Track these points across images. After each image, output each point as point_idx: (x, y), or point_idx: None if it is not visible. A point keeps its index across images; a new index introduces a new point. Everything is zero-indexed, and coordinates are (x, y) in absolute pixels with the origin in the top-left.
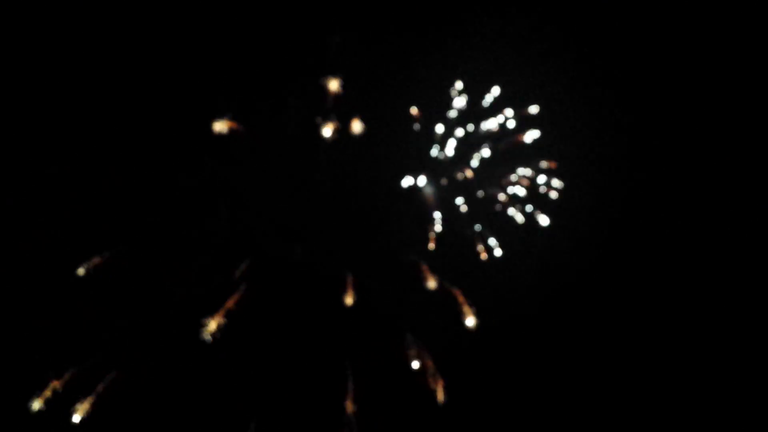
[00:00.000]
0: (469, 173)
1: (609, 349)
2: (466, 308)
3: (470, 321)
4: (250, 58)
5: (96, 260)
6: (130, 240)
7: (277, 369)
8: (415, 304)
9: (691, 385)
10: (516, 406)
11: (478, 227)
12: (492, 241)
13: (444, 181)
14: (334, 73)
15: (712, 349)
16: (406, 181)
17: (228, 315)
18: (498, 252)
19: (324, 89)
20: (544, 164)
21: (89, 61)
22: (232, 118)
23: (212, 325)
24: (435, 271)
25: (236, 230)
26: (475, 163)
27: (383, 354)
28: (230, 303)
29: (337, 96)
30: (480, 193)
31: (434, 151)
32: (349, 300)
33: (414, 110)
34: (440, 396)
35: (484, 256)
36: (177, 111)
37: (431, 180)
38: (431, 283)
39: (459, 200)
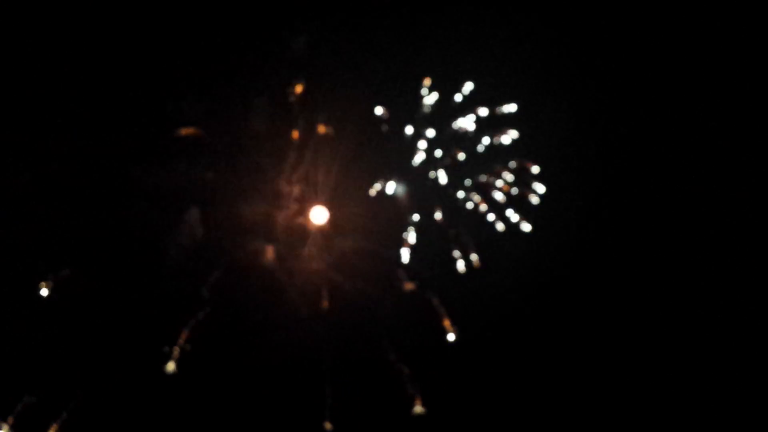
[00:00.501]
0: (442, 176)
1: (593, 360)
2: (442, 316)
3: (449, 332)
4: (214, 59)
5: (61, 275)
6: (96, 252)
7: (251, 377)
8: (391, 310)
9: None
10: (495, 414)
11: (453, 233)
12: (469, 250)
13: (415, 186)
14: (300, 74)
15: (704, 366)
16: (374, 189)
17: (199, 323)
18: (475, 260)
19: (290, 91)
20: (523, 167)
21: (43, 63)
22: (197, 121)
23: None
24: (410, 279)
25: (207, 232)
26: (448, 165)
27: (359, 360)
28: (201, 313)
29: (303, 98)
30: (455, 198)
31: (404, 153)
32: (324, 303)
33: (380, 110)
34: (417, 403)
35: (461, 267)
36: (141, 113)
37: (402, 184)
38: (408, 287)
39: (433, 205)
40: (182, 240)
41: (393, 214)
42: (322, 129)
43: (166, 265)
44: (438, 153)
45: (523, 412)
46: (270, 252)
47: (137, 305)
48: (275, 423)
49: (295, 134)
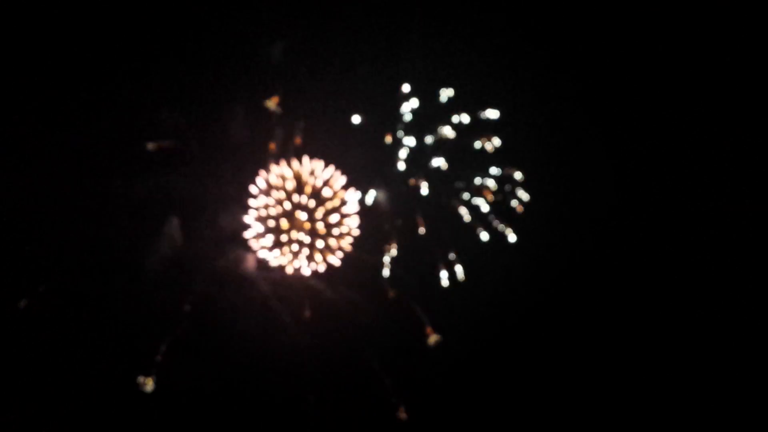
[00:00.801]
0: (424, 185)
1: (578, 367)
2: (425, 324)
3: (431, 338)
4: (193, 71)
5: (40, 289)
6: (77, 264)
7: (233, 387)
8: (374, 318)
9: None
10: (476, 420)
11: (436, 243)
12: (453, 260)
13: (397, 194)
14: (277, 84)
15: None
16: (354, 197)
17: (180, 334)
18: (460, 274)
19: (267, 102)
20: (507, 174)
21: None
22: (175, 132)
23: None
24: (393, 287)
25: (188, 242)
26: (430, 173)
27: (342, 368)
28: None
29: (280, 108)
30: (437, 207)
31: (385, 162)
32: (306, 311)
33: (357, 118)
34: (401, 410)
35: (445, 281)
36: (119, 125)
37: (383, 193)
38: (390, 295)
39: (415, 214)
40: (163, 250)
41: (375, 222)
42: (298, 140)
43: (146, 275)
44: (419, 161)
45: (505, 418)
46: (251, 260)
47: (118, 316)
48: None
49: (272, 146)
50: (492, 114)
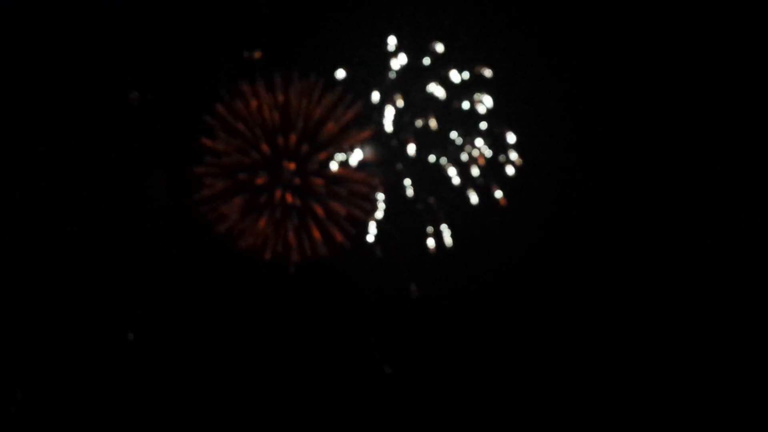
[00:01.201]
0: (411, 146)
1: (571, 337)
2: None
3: (414, 293)
4: (178, 26)
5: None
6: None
7: (214, 340)
8: (359, 273)
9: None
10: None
11: (423, 206)
12: (441, 223)
13: (384, 155)
14: (260, 38)
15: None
16: (338, 158)
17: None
18: (448, 238)
19: (248, 55)
20: (499, 135)
21: None
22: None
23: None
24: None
25: (171, 196)
26: (418, 134)
27: (326, 323)
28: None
29: (259, 62)
30: (426, 168)
31: (370, 121)
32: (294, 257)
33: (341, 73)
34: (385, 365)
35: (432, 247)
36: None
37: (367, 150)
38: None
39: (402, 176)
40: (146, 205)
41: (361, 181)
42: (281, 98)
43: (129, 231)
44: (406, 120)
45: (489, 378)
46: (236, 212)
47: (99, 274)
48: (238, 389)
49: (254, 104)
50: (485, 72)
